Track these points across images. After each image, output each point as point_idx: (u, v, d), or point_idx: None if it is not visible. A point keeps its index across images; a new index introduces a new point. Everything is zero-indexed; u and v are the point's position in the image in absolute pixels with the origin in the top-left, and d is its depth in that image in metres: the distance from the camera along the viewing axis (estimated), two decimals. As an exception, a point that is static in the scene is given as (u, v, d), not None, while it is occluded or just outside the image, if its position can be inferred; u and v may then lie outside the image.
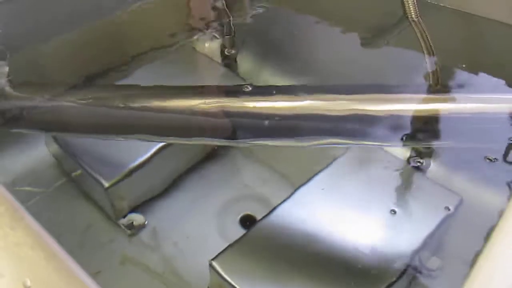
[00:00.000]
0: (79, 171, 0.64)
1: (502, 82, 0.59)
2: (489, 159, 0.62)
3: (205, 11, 0.88)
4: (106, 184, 0.60)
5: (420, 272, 0.55)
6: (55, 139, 0.66)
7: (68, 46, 0.75)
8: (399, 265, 0.50)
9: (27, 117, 0.58)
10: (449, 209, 0.56)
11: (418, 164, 0.63)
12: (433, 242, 0.55)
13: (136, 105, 0.57)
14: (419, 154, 0.63)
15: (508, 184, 0.60)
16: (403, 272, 0.50)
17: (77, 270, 0.25)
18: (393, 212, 0.55)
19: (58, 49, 0.74)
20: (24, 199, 0.66)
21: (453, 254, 0.58)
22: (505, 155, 0.59)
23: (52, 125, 0.59)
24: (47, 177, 0.70)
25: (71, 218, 0.65)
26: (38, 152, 0.71)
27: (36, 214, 0.63)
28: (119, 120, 0.57)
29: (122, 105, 0.57)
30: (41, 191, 0.68)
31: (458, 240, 0.58)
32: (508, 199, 0.54)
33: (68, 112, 0.58)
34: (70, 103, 0.58)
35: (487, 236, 0.35)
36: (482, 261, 0.32)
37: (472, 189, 0.63)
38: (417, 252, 0.52)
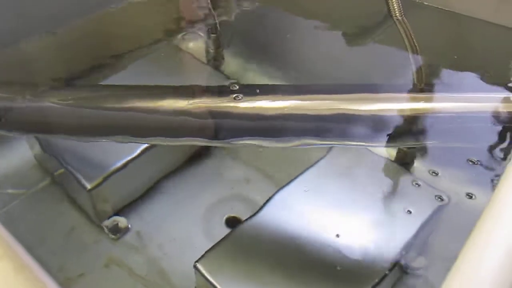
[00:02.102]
0: (61, 170, 0.63)
1: (486, 81, 0.59)
2: (471, 161, 0.62)
3: (190, 9, 0.88)
4: (89, 186, 0.59)
5: (405, 272, 0.55)
6: (37, 140, 0.65)
7: (51, 45, 0.74)
8: (384, 265, 0.50)
9: (8, 118, 0.57)
10: (442, 199, 0.56)
11: (403, 163, 0.63)
12: (419, 242, 0.55)
13: (119, 105, 0.56)
14: (404, 153, 0.63)
15: (492, 181, 0.60)
16: (388, 272, 0.50)
17: (48, 282, 0.24)
18: (378, 212, 0.55)
19: (40, 48, 0.73)
20: (6, 201, 0.66)
21: (439, 253, 0.58)
22: (487, 155, 0.59)
23: (34, 126, 0.58)
24: (30, 179, 0.69)
25: (54, 220, 0.64)
26: (20, 153, 0.70)
27: (19, 216, 0.64)
28: (102, 121, 0.56)
29: (105, 106, 0.56)
30: (23, 193, 0.67)
31: (444, 239, 0.59)
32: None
33: (50, 113, 0.57)
34: (52, 104, 0.57)
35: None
36: (460, 261, 0.31)
37: (457, 189, 0.64)
38: (402, 252, 0.52)
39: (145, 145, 0.63)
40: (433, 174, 0.65)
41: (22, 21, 0.70)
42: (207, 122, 0.54)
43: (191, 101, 0.54)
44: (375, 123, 0.50)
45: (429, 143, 0.53)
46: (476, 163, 0.62)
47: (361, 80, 0.58)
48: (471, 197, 0.62)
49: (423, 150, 0.65)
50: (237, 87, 0.55)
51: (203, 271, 0.50)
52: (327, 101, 0.51)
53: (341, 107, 0.50)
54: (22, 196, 0.67)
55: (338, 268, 0.50)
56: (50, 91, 0.59)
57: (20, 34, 0.70)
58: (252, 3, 0.84)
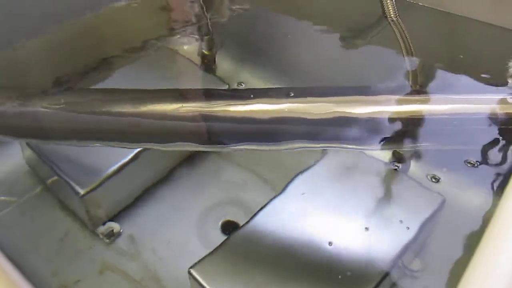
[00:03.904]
0: (54, 178, 0.62)
1: (482, 82, 0.59)
2: (470, 163, 0.62)
3: (183, 11, 0.87)
4: (82, 192, 0.59)
5: (402, 274, 0.55)
6: (29, 146, 0.64)
7: (42, 48, 0.73)
8: (381, 269, 0.50)
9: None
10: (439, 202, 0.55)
11: (399, 166, 0.62)
12: (416, 244, 0.55)
13: (111, 110, 0.55)
14: (400, 156, 0.63)
15: (492, 185, 0.60)
16: (385, 276, 0.49)
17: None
18: (375, 215, 0.55)
19: (30, 51, 0.72)
20: (-2, 208, 0.65)
21: (435, 255, 0.58)
22: (483, 157, 0.59)
23: (24, 131, 0.58)
24: (22, 185, 0.68)
25: (47, 227, 0.64)
26: (12, 159, 0.69)
27: (11, 224, 0.63)
28: (94, 126, 0.56)
29: (96, 110, 0.56)
30: (15, 200, 0.66)
31: (440, 241, 0.58)
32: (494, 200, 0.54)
33: (40, 118, 0.56)
34: (42, 109, 0.56)
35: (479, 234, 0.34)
36: (478, 257, 0.31)
37: (454, 191, 0.63)
38: (400, 255, 0.51)
39: (138, 149, 0.62)
40: (430, 176, 0.64)
41: (11, 24, 0.69)
42: (201, 126, 0.53)
43: (183, 105, 0.53)
44: (371, 125, 0.49)
45: (425, 145, 0.53)
46: (475, 165, 0.61)
47: (356, 82, 0.57)
48: (468, 199, 0.62)
49: (419, 152, 0.65)
50: (230, 91, 0.54)
51: (198, 278, 0.49)
52: (322, 104, 0.51)
53: (336, 110, 0.49)
54: (14, 203, 0.66)
55: (337, 272, 0.49)
56: (40, 96, 0.59)
57: (9, 37, 0.69)
58: (246, 4, 0.83)
